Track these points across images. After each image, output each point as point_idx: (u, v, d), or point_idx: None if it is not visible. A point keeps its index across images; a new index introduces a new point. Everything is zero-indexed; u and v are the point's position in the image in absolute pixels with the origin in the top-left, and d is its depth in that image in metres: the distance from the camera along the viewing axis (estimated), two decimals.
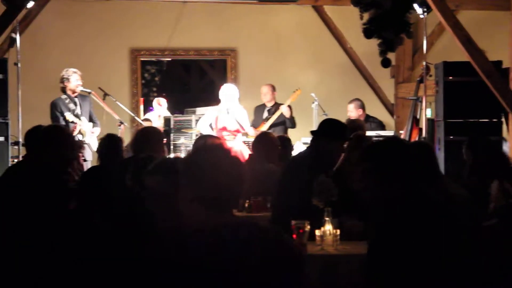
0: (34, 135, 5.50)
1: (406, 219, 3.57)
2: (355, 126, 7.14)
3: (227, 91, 9.87)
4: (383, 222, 3.62)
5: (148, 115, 11.59)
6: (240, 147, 9.62)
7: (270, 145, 7.10)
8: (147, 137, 6.02)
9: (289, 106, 10.53)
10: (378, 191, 3.65)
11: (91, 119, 9.54)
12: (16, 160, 8.44)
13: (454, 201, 4.76)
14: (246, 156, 9.40)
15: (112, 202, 4.98)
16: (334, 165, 5.93)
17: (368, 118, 10.65)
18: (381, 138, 7.04)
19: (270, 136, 7.32)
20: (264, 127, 10.37)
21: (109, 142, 6.71)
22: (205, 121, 9.98)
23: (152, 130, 6.34)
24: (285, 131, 10.65)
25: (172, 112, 11.79)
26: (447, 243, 4.13)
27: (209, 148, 2.99)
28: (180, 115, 11.07)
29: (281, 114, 10.44)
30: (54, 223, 4.92)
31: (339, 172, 5.92)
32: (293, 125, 10.58)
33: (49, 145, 5.24)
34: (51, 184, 5.10)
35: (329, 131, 6.13)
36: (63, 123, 9.11)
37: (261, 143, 7.12)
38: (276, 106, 10.65)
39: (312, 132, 6.25)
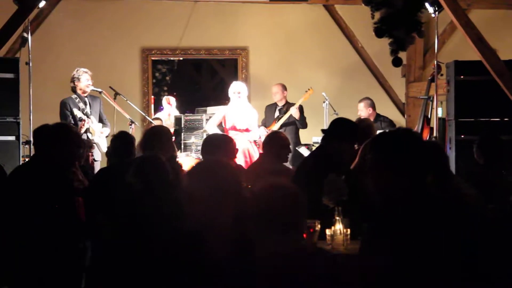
0: (41, 134, 5.51)
1: (406, 216, 3.50)
2: (363, 126, 7.12)
3: (236, 89, 9.86)
4: (381, 216, 3.55)
5: (158, 114, 11.59)
6: (247, 145, 9.60)
7: (281, 144, 7.08)
8: (156, 136, 6.02)
9: (300, 106, 10.53)
10: (382, 184, 3.50)
11: (100, 120, 9.55)
12: (27, 160, 8.48)
13: (465, 202, 4.75)
14: (254, 155, 9.41)
15: (120, 203, 5.02)
16: (344, 165, 5.91)
17: (378, 117, 10.63)
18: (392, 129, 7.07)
19: (280, 136, 7.31)
20: (275, 127, 10.37)
21: (122, 139, 6.69)
22: (213, 121, 9.96)
23: (160, 129, 6.34)
24: (296, 131, 10.65)
25: (183, 111, 11.79)
26: (451, 244, 4.13)
27: None
28: (191, 114, 11.05)
29: (291, 115, 10.45)
30: (58, 222, 4.95)
31: (357, 171, 5.91)
32: (304, 126, 10.58)
33: (56, 143, 5.23)
34: (56, 183, 5.11)
35: (339, 132, 6.14)
36: (71, 121, 9.13)
37: (271, 142, 7.11)
38: (288, 105, 10.65)
39: (323, 131, 6.25)
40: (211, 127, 9.82)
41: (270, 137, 7.24)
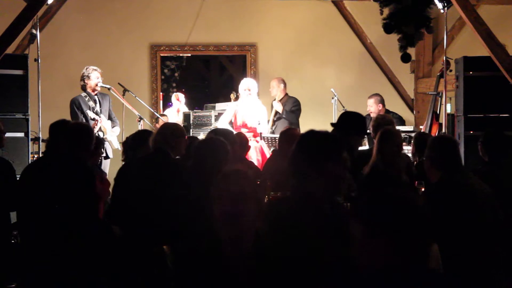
0: (60, 129, 5.60)
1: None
2: (385, 122, 7.12)
3: (246, 86, 9.86)
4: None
5: (167, 111, 11.61)
6: (259, 143, 9.61)
7: (291, 140, 7.07)
8: (167, 133, 6.01)
9: (297, 100, 10.50)
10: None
11: (109, 118, 9.57)
12: (36, 156, 8.50)
13: (478, 197, 4.75)
14: (266, 152, 9.41)
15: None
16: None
17: (387, 113, 10.62)
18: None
19: (291, 132, 7.29)
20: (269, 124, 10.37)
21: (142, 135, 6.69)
22: (224, 118, 9.97)
23: (173, 126, 6.33)
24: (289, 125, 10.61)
25: (192, 108, 11.80)
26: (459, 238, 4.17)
27: None
28: (200, 110, 11.07)
29: (283, 109, 10.42)
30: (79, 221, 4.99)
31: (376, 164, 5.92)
32: (292, 118, 10.43)
33: (78, 142, 5.38)
34: (80, 180, 5.20)
35: (350, 125, 6.15)
36: (82, 120, 9.16)
37: (282, 138, 7.10)
38: (284, 99, 10.61)
39: (333, 125, 6.27)
40: (222, 125, 9.83)
41: (282, 133, 7.23)
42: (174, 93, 11.91)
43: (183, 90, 14.95)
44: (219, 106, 11.22)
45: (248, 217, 3.10)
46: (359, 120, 6.53)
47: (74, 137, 5.50)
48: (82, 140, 5.51)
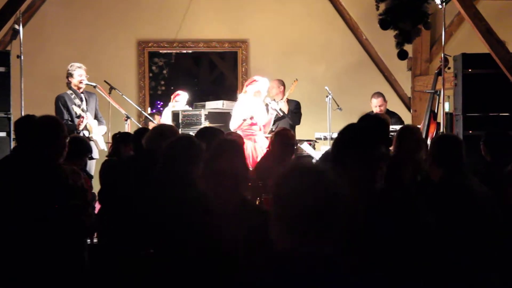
0: (27, 125, 5.36)
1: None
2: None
3: (266, 85, 9.93)
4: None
5: (165, 110, 11.53)
6: (265, 142, 9.63)
7: (284, 142, 7.06)
8: (162, 135, 6.01)
9: (297, 102, 10.53)
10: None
11: (96, 117, 9.57)
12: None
13: (477, 199, 4.77)
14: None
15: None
16: None
17: (387, 112, 10.61)
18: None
19: (287, 133, 7.29)
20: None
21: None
22: (236, 122, 9.94)
23: (168, 128, 6.32)
24: (291, 127, 10.63)
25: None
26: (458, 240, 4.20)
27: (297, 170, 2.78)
28: (189, 109, 11.05)
29: (280, 109, 10.44)
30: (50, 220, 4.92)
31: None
32: (295, 121, 10.41)
33: (44, 138, 5.07)
34: (48, 180, 5.00)
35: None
36: (67, 117, 9.14)
37: (278, 139, 7.10)
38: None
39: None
40: (235, 125, 9.83)
41: (275, 134, 7.25)
42: (176, 92, 11.84)
43: (172, 88, 14.93)
44: (209, 104, 11.21)
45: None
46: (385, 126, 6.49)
47: (39, 133, 5.08)
48: (49, 136, 5.07)
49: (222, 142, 4.26)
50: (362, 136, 3.49)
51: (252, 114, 9.72)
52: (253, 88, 9.93)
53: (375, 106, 10.29)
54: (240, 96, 10.16)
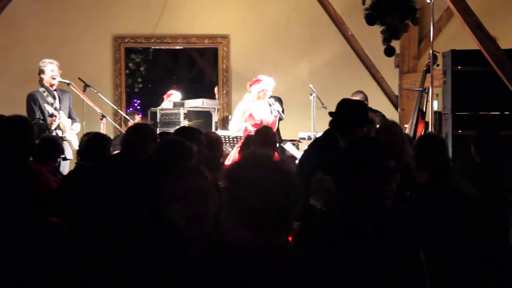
0: None
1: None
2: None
3: (271, 85, 9.83)
4: None
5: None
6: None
7: (269, 142, 6.96)
8: (139, 134, 5.93)
9: (279, 97, 10.48)
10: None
11: (70, 116, 9.48)
12: None
13: (467, 202, 4.74)
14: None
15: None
16: None
17: (370, 111, 10.59)
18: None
19: (268, 132, 7.21)
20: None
21: (95, 143, 6.62)
22: (238, 121, 9.85)
23: (145, 127, 6.25)
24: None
25: (158, 105, 11.71)
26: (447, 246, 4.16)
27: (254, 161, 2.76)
28: (168, 108, 10.98)
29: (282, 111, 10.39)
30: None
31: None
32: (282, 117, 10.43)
33: (11, 138, 5.09)
34: (16, 182, 4.99)
35: (354, 115, 6.14)
36: (39, 116, 9.06)
37: (258, 139, 7.01)
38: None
39: (332, 114, 6.26)
40: (235, 128, 9.76)
41: (259, 134, 7.14)
42: (170, 91, 11.75)
43: (150, 86, 14.87)
44: (189, 103, 11.14)
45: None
46: (364, 109, 6.48)
47: (7, 133, 5.16)
48: (17, 136, 5.15)
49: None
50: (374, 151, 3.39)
51: (247, 127, 9.63)
52: (257, 87, 9.84)
53: None
54: (245, 96, 10.05)
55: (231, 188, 2.62)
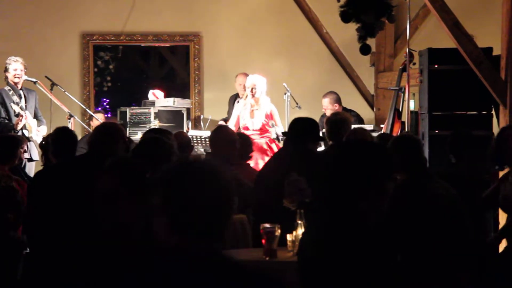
0: None
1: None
2: (340, 122, 7.18)
3: (250, 84, 9.77)
4: None
5: None
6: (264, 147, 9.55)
7: (227, 141, 6.85)
8: (107, 134, 5.92)
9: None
10: None
11: (35, 116, 9.45)
12: None
13: (443, 202, 4.79)
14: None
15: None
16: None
17: (345, 111, 10.64)
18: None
19: (225, 130, 7.17)
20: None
21: (62, 137, 6.57)
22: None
23: (113, 126, 6.24)
24: None
25: (128, 104, 11.68)
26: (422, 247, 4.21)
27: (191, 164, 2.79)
28: (137, 107, 10.96)
29: None
30: None
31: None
32: None
33: None
34: None
35: (304, 133, 6.21)
36: (5, 116, 9.03)
37: (216, 138, 6.93)
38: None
39: (285, 134, 6.34)
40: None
41: (215, 132, 7.08)
42: (151, 91, 11.70)
43: (119, 85, 14.81)
44: (159, 102, 11.13)
45: None
46: (313, 126, 6.55)
47: None
48: None
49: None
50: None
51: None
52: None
53: (323, 106, 10.37)
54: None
55: (163, 192, 2.62)
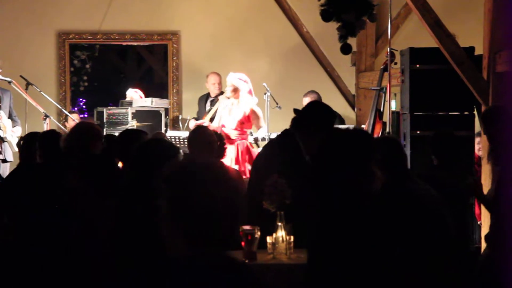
0: None
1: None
2: None
3: (228, 82, 9.76)
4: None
5: None
6: (240, 148, 9.53)
7: (204, 141, 6.85)
8: (83, 134, 5.90)
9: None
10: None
11: (10, 116, 9.41)
12: None
13: (425, 205, 4.81)
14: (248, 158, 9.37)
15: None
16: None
17: None
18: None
19: (203, 131, 7.16)
20: (206, 120, 10.29)
21: (50, 139, 6.54)
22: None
23: (89, 126, 6.22)
24: None
25: (105, 104, 11.65)
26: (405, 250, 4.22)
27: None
28: (114, 107, 10.93)
29: None
30: None
31: None
32: None
33: None
34: None
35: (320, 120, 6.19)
36: None
37: (194, 139, 6.93)
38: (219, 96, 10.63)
39: (296, 112, 6.31)
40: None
41: (192, 133, 7.08)
42: (131, 90, 11.64)
43: (96, 84, 14.78)
44: (137, 102, 11.10)
45: None
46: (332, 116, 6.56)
47: None
48: None
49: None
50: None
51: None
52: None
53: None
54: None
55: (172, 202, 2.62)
